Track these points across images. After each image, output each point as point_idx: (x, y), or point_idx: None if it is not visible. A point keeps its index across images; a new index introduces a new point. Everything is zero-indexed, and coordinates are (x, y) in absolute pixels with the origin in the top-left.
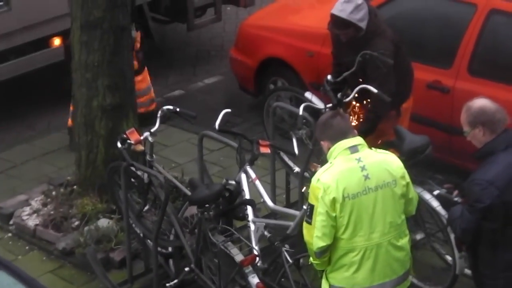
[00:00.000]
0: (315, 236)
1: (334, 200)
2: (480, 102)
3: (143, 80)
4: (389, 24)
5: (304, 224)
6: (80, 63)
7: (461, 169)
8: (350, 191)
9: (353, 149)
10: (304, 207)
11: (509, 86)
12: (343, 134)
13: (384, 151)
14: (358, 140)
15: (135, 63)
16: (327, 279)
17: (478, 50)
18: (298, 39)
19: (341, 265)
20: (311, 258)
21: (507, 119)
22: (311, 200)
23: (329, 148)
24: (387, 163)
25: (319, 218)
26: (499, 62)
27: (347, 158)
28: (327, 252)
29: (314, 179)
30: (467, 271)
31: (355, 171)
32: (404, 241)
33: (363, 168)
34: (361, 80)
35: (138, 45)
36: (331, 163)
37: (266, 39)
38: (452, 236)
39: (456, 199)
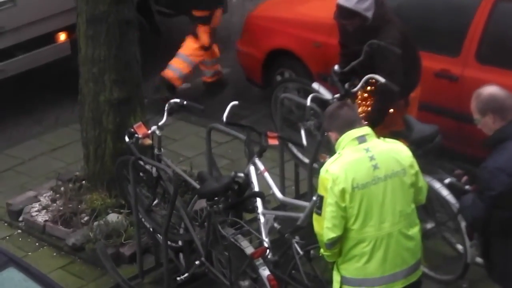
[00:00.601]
0: (326, 227)
1: (343, 191)
2: (490, 89)
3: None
4: (396, 13)
5: (314, 215)
6: (86, 58)
7: (471, 157)
8: (359, 181)
9: (361, 139)
10: (314, 198)
11: None
12: (351, 124)
13: (392, 140)
14: (366, 130)
15: (206, 38)
16: (338, 270)
17: (485, 38)
18: (305, 30)
19: (352, 256)
20: (321, 250)
21: None
22: (321, 191)
23: (336, 139)
24: (395, 152)
25: (329, 209)
26: (507, 49)
27: (355, 149)
28: (337, 243)
29: (323, 170)
30: (478, 260)
31: (363, 161)
32: (415, 231)
33: (371, 158)
34: (369, 69)
35: (217, 20)
36: (339, 153)
37: (272, 30)
38: (462, 225)
39: (466, 187)
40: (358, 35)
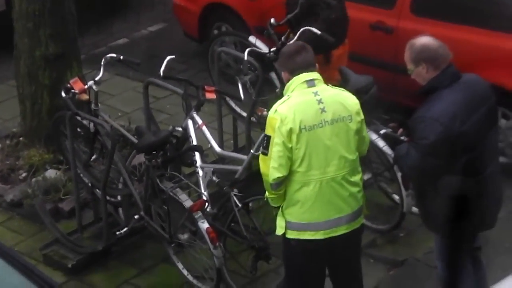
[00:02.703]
0: (271, 167)
1: (291, 131)
2: (423, 40)
3: None
4: None
5: (261, 156)
6: (21, 13)
7: (406, 108)
8: (306, 123)
9: (310, 83)
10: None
11: (451, 24)
12: (304, 68)
13: (339, 87)
14: (315, 74)
15: None
16: (283, 215)
17: None
18: None
19: (297, 200)
20: (266, 193)
21: (450, 55)
22: (268, 131)
23: (288, 80)
24: (342, 98)
25: (275, 148)
26: (441, 1)
27: (304, 92)
28: (282, 185)
29: (271, 111)
30: (414, 209)
31: (312, 104)
32: (358, 178)
33: (319, 102)
34: (305, 22)
35: None
36: (288, 96)
37: None
38: (398, 175)
39: (402, 138)
40: None
